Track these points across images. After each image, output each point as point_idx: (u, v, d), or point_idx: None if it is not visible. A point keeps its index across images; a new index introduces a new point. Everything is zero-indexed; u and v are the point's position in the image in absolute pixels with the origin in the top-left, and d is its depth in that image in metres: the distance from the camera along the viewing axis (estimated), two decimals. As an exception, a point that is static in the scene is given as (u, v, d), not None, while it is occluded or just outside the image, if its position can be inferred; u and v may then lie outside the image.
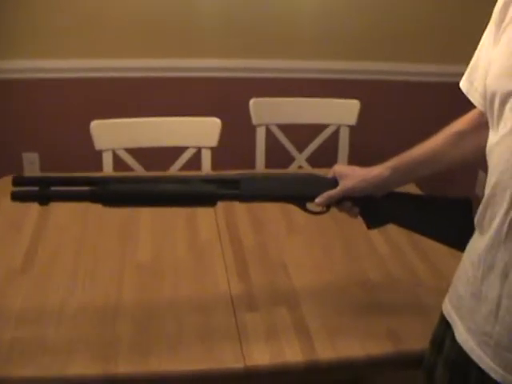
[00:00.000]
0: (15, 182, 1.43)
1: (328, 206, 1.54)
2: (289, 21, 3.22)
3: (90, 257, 1.83)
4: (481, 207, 1.17)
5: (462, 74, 1.31)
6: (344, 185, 1.50)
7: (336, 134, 2.80)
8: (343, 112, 2.77)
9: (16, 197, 1.44)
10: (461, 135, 1.39)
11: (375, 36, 3.32)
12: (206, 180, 1.52)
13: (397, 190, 1.54)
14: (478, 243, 1.19)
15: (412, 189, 2.12)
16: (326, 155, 2.64)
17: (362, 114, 2.74)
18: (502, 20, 1.15)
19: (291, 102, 2.78)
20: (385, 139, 3.01)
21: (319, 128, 2.78)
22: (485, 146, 1.18)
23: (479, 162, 1.27)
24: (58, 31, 3.10)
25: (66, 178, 1.49)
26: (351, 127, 2.77)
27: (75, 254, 1.84)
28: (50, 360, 1.40)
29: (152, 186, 1.49)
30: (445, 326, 1.28)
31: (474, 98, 1.27)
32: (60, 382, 1.38)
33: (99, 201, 1.46)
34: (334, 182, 1.52)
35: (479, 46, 1.26)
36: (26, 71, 3.15)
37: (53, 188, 1.45)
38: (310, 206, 1.55)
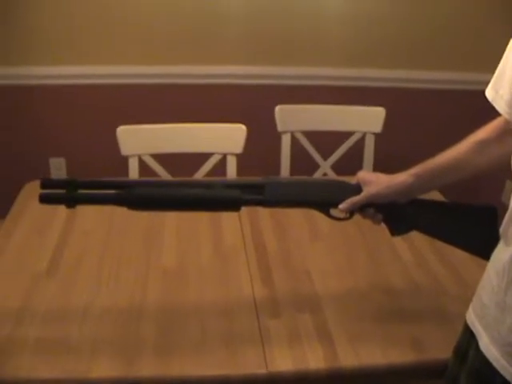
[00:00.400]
0: (43, 185, 1.45)
1: (351, 212, 1.54)
2: (314, 28, 3.23)
3: (115, 261, 1.85)
4: (506, 217, 1.17)
5: (487, 82, 1.30)
6: (367, 191, 1.51)
7: (361, 141, 2.79)
8: (369, 119, 2.77)
9: (44, 199, 1.45)
10: (485, 143, 1.38)
11: (401, 43, 3.32)
12: (231, 185, 1.53)
13: (421, 197, 1.54)
14: (502, 253, 1.18)
15: (436, 196, 2.11)
16: (351, 162, 2.64)
17: (387, 122, 2.73)
18: None
19: (316, 109, 2.78)
20: (410, 147, 3.00)
21: (344, 135, 2.78)
22: (509, 155, 1.18)
23: (504, 171, 1.26)
24: (84, 37, 3.13)
25: (92, 182, 1.50)
26: (376, 135, 2.77)
27: (100, 257, 1.86)
28: (74, 363, 1.42)
29: (177, 191, 1.50)
30: (469, 336, 1.27)
31: (500, 106, 1.25)
32: (83, 385, 1.40)
33: (125, 204, 1.48)
34: (357, 189, 1.52)
35: (505, 54, 1.25)
36: (53, 77, 3.19)
37: (80, 191, 1.46)
38: (333, 212, 1.55)
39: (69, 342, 1.48)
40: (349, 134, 2.78)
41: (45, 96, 3.23)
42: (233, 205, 1.52)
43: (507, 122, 1.28)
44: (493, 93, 1.28)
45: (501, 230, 1.20)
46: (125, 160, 2.46)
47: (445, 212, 1.58)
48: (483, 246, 1.33)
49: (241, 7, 3.17)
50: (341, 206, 1.51)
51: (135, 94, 3.25)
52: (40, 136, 3.31)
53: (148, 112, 3.03)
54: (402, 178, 1.49)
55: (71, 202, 1.47)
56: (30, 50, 3.12)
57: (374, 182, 1.52)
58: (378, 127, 2.75)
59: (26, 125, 3.28)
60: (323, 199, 1.54)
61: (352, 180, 1.56)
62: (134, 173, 2.47)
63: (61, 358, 1.42)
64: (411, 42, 3.33)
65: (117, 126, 2.41)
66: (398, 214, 1.53)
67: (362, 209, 1.53)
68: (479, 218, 1.51)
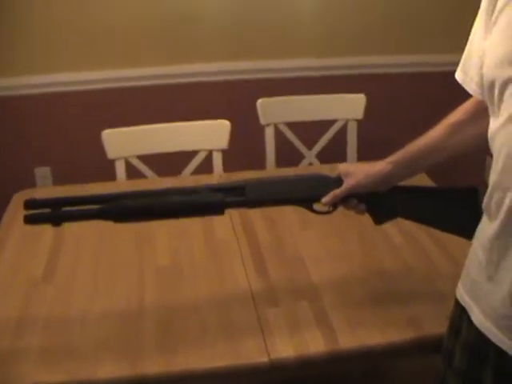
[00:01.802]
0: (27, 206, 1.46)
1: (335, 205, 1.56)
2: (289, 20, 3.24)
3: (110, 263, 1.86)
4: (488, 193, 1.19)
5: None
6: (348, 182, 1.52)
7: (344, 128, 2.81)
8: (350, 107, 2.79)
9: (29, 220, 1.47)
10: (459, 125, 1.39)
11: (377, 30, 3.34)
12: (213, 189, 1.54)
13: (403, 182, 1.55)
14: (486, 228, 1.20)
15: (423, 178, 2.14)
16: (335, 150, 2.66)
17: (368, 108, 2.76)
18: (492, 8, 1.16)
19: (298, 99, 2.80)
20: (393, 131, 3.01)
21: (327, 124, 2.80)
22: (484, 134, 1.20)
23: (482, 150, 1.29)
24: (64, 44, 3.13)
25: (76, 198, 1.52)
26: (358, 121, 2.79)
27: (95, 261, 1.87)
28: (78, 366, 1.43)
29: (160, 200, 1.51)
30: (460, 311, 1.29)
31: (470, 87, 1.28)
32: (89, 386, 1.41)
33: (110, 218, 1.49)
34: (338, 181, 1.54)
35: (471, 35, 1.27)
36: (34, 87, 3.18)
37: (64, 209, 1.48)
38: (316, 206, 1.57)
39: (71, 347, 1.49)
40: (331, 123, 2.80)
41: (26, 105, 3.22)
42: (216, 209, 1.53)
43: (478, 103, 1.30)
44: (462, 75, 1.30)
45: (483, 205, 1.22)
46: (111, 164, 2.47)
47: (426, 196, 1.60)
48: (467, 226, 1.35)
49: (217, 3, 3.18)
50: (323, 200, 1.53)
51: (117, 97, 3.25)
52: (24, 146, 3.30)
53: (131, 114, 3.03)
54: (380, 166, 1.51)
55: (56, 220, 1.48)
56: (10, 60, 3.11)
57: (353, 172, 1.53)
58: (359, 114, 2.77)
59: (10, 135, 3.26)
60: (305, 195, 1.56)
61: (335, 169, 1.57)
62: (121, 176, 2.48)
63: (65, 363, 1.43)
64: (387, 27, 3.35)
65: (101, 131, 2.42)
66: (379, 203, 1.55)
67: (345, 200, 1.54)
68: (461, 200, 1.53)
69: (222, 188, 1.54)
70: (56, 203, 1.48)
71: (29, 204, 1.46)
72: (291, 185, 1.57)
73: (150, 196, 1.52)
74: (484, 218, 1.23)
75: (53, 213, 1.46)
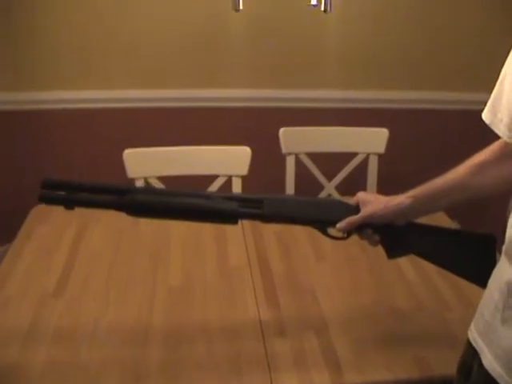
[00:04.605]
0: (44, 185, 1.47)
1: (349, 232, 1.54)
2: (317, 50, 3.25)
3: (122, 281, 1.87)
4: (509, 236, 1.17)
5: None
6: (365, 211, 1.51)
7: (365, 162, 2.81)
8: (372, 140, 2.79)
9: (43, 199, 1.47)
10: (483, 166, 1.37)
11: (403, 65, 3.34)
12: (230, 197, 1.53)
13: (421, 220, 1.54)
14: (506, 271, 1.19)
15: (441, 217, 2.13)
16: (355, 183, 2.65)
17: (390, 143, 2.75)
18: None
19: (320, 130, 2.80)
20: (414, 167, 3.01)
21: (348, 156, 2.80)
22: (508, 178, 1.19)
23: (508, 192, 1.27)
24: (91, 62, 3.16)
25: (93, 185, 1.51)
26: (380, 155, 2.79)
27: (107, 278, 1.88)
28: (82, 379, 1.44)
29: (177, 200, 1.50)
30: (472, 353, 1.27)
31: (499, 129, 1.24)
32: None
33: (124, 210, 1.48)
34: (356, 209, 1.53)
35: (502, 76, 1.24)
36: (60, 102, 3.21)
37: (80, 194, 1.48)
38: (331, 231, 1.56)
39: (77, 362, 1.50)
40: (352, 155, 2.80)
41: (51, 120, 3.25)
42: (230, 217, 1.52)
43: (506, 145, 1.29)
44: (490, 116, 1.27)
45: (504, 248, 1.20)
46: (131, 183, 2.48)
47: (443, 237, 1.58)
48: (479, 273, 1.33)
49: (243, 31, 3.20)
50: (338, 226, 1.52)
51: (140, 117, 3.28)
52: (46, 160, 3.33)
53: (153, 135, 3.05)
54: (400, 199, 1.50)
55: (70, 203, 1.47)
56: (35, 76, 3.15)
57: (372, 202, 1.53)
58: (381, 148, 2.76)
59: (32, 148, 3.30)
60: (321, 217, 1.55)
61: (352, 200, 1.57)
62: (140, 195, 2.48)
63: (69, 378, 1.44)
64: (414, 63, 3.35)
65: (123, 150, 2.44)
66: (394, 236, 1.53)
67: (360, 229, 1.53)
68: (478, 246, 1.51)
69: (239, 198, 1.53)
70: (72, 187, 1.48)
71: (46, 183, 1.47)
72: (308, 206, 1.55)
73: (167, 195, 1.52)
74: (503, 261, 1.22)
75: (68, 196, 1.47)
